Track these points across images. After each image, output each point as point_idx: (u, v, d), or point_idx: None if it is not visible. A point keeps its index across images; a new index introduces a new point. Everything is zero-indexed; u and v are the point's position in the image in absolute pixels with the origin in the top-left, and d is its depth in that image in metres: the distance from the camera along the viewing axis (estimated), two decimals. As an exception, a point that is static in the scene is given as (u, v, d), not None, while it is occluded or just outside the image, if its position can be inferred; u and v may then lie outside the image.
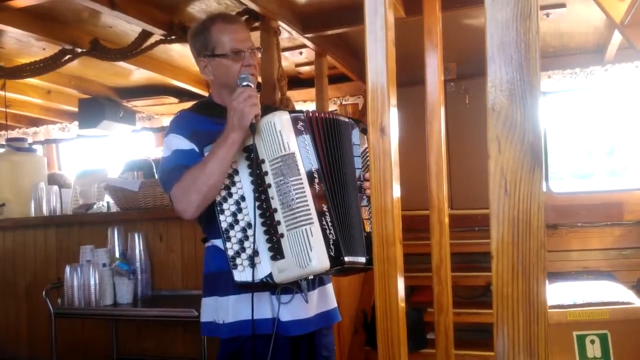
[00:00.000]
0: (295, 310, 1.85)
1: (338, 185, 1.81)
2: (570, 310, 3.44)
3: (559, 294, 3.68)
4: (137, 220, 3.36)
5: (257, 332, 1.81)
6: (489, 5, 0.98)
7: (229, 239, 1.76)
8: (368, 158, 1.75)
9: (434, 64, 2.83)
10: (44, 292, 3.10)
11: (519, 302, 0.96)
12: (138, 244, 3.19)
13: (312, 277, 1.81)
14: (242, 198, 1.77)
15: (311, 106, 5.12)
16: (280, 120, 1.76)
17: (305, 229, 1.70)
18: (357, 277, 4.48)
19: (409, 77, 3.43)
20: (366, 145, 1.81)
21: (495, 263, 0.98)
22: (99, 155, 7.25)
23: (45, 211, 3.94)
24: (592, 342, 3.37)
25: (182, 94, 5.69)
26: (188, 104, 6.41)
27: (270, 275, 1.72)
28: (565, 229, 4.80)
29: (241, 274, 1.73)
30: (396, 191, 1.37)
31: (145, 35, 3.80)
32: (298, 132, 1.77)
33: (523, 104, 0.96)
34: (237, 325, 1.84)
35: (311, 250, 1.69)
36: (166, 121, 6.42)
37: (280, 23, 3.62)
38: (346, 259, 1.75)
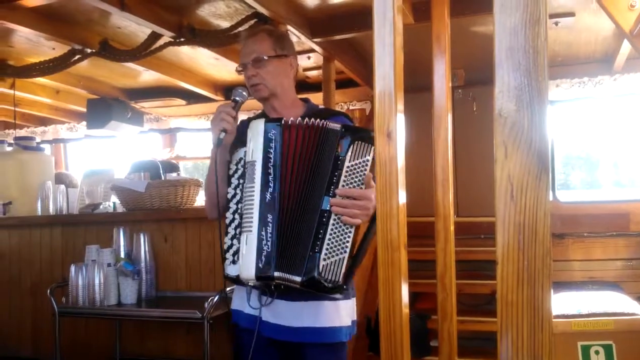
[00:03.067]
0: (279, 314, 1.86)
1: (294, 198, 1.73)
2: (575, 320, 3.43)
3: (564, 304, 3.66)
4: (142, 221, 3.37)
5: (246, 326, 1.92)
6: (497, 11, 0.97)
7: (227, 234, 1.84)
8: (359, 171, 1.68)
9: (442, 71, 2.84)
10: (48, 291, 3.10)
11: (523, 309, 0.96)
12: (143, 245, 3.19)
13: (279, 286, 1.79)
14: (240, 200, 1.84)
15: (318, 111, 5.13)
16: (254, 128, 1.80)
17: (245, 236, 1.74)
18: (361, 282, 4.47)
19: (416, 83, 3.43)
20: (367, 158, 1.69)
21: (500, 269, 0.97)
22: (106, 156, 7.28)
23: (51, 210, 3.95)
24: (597, 352, 3.35)
25: (190, 96, 5.71)
26: (195, 106, 6.44)
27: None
28: (571, 238, 4.79)
29: (227, 268, 1.82)
30: (402, 197, 1.37)
31: (154, 36, 3.82)
32: (267, 140, 1.75)
33: (531, 110, 0.95)
34: (234, 313, 1.99)
35: (243, 257, 1.73)
36: (174, 123, 6.45)
37: (288, 27, 3.63)
38: (275, 273, 1.71)
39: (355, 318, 2.01)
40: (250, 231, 1.72)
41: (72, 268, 3.09)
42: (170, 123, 6.48)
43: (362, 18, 3.72)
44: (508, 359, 0.96)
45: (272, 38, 2.04)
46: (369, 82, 4.92)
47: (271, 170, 1.73)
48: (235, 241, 1.80)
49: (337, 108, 5.30)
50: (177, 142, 6.78)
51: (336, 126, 1.75)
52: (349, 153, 1.70)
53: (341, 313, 1.92)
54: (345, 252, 1.68)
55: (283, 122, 1.77)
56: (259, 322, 1.86)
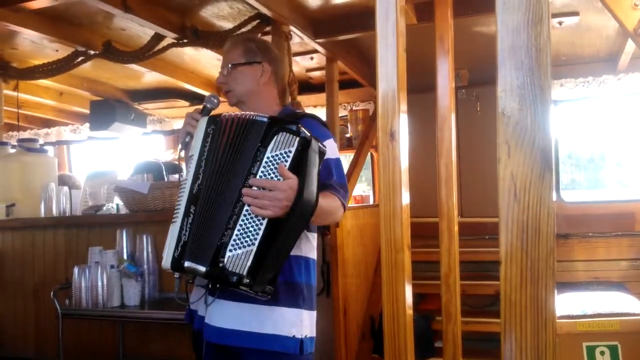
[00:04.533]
0: (215, 315, 1.83)
1: (215, 189, 1.71)
2: (580, 320, 3.41)
3: (569, 304, 3.64)
4: (145, 222, 3.37)
5: (196, 327, 1.92)
6: (500, 10, 0.97)
7: None
8: (279, 162, 1.63)
9: (445, 71, 2.83)
10: (52, 293, 3.11)
11: (527, 309, 0.95)
12: (146, 246, 3.20)
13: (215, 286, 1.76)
14: None
15: (321, 111, 5.13)
16: (198, 125, 1.83)
17: (171, 227, 1.73)
18: (364, 283, 4.47)
19: (420, 84, 3.43)
20: (288, 149, 1.63)
21: (504, 268, 0.96)
22: (110, 157, 7.29)
23: (54, 212, 3.96)
24: (602, 353, 3.34)
25: (193, 98, 5.71)
26: (198, 108, 6.42)
27: None
28: (576, 238, 4.77)
29: None
30: (405, 197, 1.36)
31: (157, 38, 3.82)
32: (206, 135, 1.78)
33: (534, 109, 0.95)
34: (191, 313, 1.99)
35: (165, 247, 1.73)
36: (177, 124, 6.46)
37: (291, 28, 3.62)
38: (186, 263, 1.68)
39: (313, 335, 1.92)
40: (175, 222, 1.73)
41: (76, 270, 3.10)
42: (173, 124, 6.49)
43: (365, 18, 3.71)
44: (512, 359, 0.96)
45: (245, 45, 2.06)
46: (372, 83, 4.91)
47: (203, 163, 1.74)
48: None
49: (341, 109, 5.29)
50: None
51: (263, 117, 1.72)
52: (271, 144, 1.65)
53: (283, 321, 1.83)
54: (253, 244, 1.60)
55: (221, 117, 1.78)
56: (204, 324, 1.85)
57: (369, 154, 5.23)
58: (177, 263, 1.69)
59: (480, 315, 4.39)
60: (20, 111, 5.28)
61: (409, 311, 1.34)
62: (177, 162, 5.29)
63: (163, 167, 3.92)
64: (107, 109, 5.41)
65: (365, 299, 4.46)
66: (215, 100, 1.98)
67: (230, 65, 2.03)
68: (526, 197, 0.95)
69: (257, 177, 1.64)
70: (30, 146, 4.54)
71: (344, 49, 4.41)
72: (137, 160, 4.23)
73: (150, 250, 3.20)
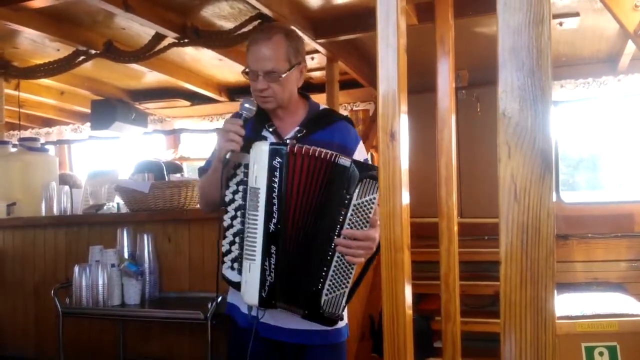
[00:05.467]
0: (279, 316, 1.89)
1: (299, 232, 1.75)
2: (579, 321, 3.42)
3: (568, 305, 3.65)
4: (146, 222, 3.37)
5: (244, 325, 1.92)
6: (501, 10, 0.97)
7: (224, 237, 1.84)
8: (366, 209, 1.70)
9: (446, 71, 2.83)
10: (52, 292, 3.11)
11: (527, 309, 0.95)
12: (147, 245, 3.20)
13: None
14: (241, 207, 1.82)
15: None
16: (258, 152, 1.75)
17: (248, 264, 1.76)
18: (363, 282, 4.47)
19: (420, 84, 3.43)
20: (373, 196, 1.69)
21: (504, 269, 0.97)
22: (110, 157, 7.30)
23: (55, 211, 3.96)
24: (601, 354, 3.34)
25: (194, 97, 5.72)
26: (199, 107, 6.44)
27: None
28: (575, 239, 4.77)
29: (226, 271, 1.84)
30: (405, 197, 1.36)
31: (158, 38, 3.83)
32: (272, 168, 1.72)
33: (534, 109, 0.95)
34: (231, 307, 2.02)
35: (245, 284, 1.77)
36: (178, 124, 6.47)
37: (292, 28, 3.63)
38: (279, 304, 1.78)
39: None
40: (254, 261, 1.75)
41: (76, 268, 3.10)
42: (174, 124, 6.50)
43: (365, 19, 3.72)
44: (511, 359, 0.96)
45: (288, 44, 1.90)
46: (372, 83, 4.91)
47: (275, 201, 1.72)
48: (233, 247, 1.82)
49: (341, 109, 5.30)
50: (180, 143, 6.79)
51: (346, 162, 1.73)
52: (357, 191, 1.70)
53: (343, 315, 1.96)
54: (346, 287, 1.75)
55: (289, 150, 1.73)
56: (257, 322, 1.87)
57: (369, 154, 5.23)
58: (266, 302, 1.77)
59: (480, 315, 4.40)
60: (21, 110, 5.30)
61: (409, 311, 1.35)
62: (178, 162, 5.30)
63: (164, 167, 3.92)
64: (108, 108, 5.42)
65: (365, 299, 4.47)
66: (253, 108, 1.86)
67: (283, 75, 1.87)
68: (526, 198, 0.95)
69: (346, 223, 1.72)
70: (31, 145, 4.54)
71: (345, 49, 4.42)
72: (138, 159, 4.23)
73: (150, 249, 3.20)
